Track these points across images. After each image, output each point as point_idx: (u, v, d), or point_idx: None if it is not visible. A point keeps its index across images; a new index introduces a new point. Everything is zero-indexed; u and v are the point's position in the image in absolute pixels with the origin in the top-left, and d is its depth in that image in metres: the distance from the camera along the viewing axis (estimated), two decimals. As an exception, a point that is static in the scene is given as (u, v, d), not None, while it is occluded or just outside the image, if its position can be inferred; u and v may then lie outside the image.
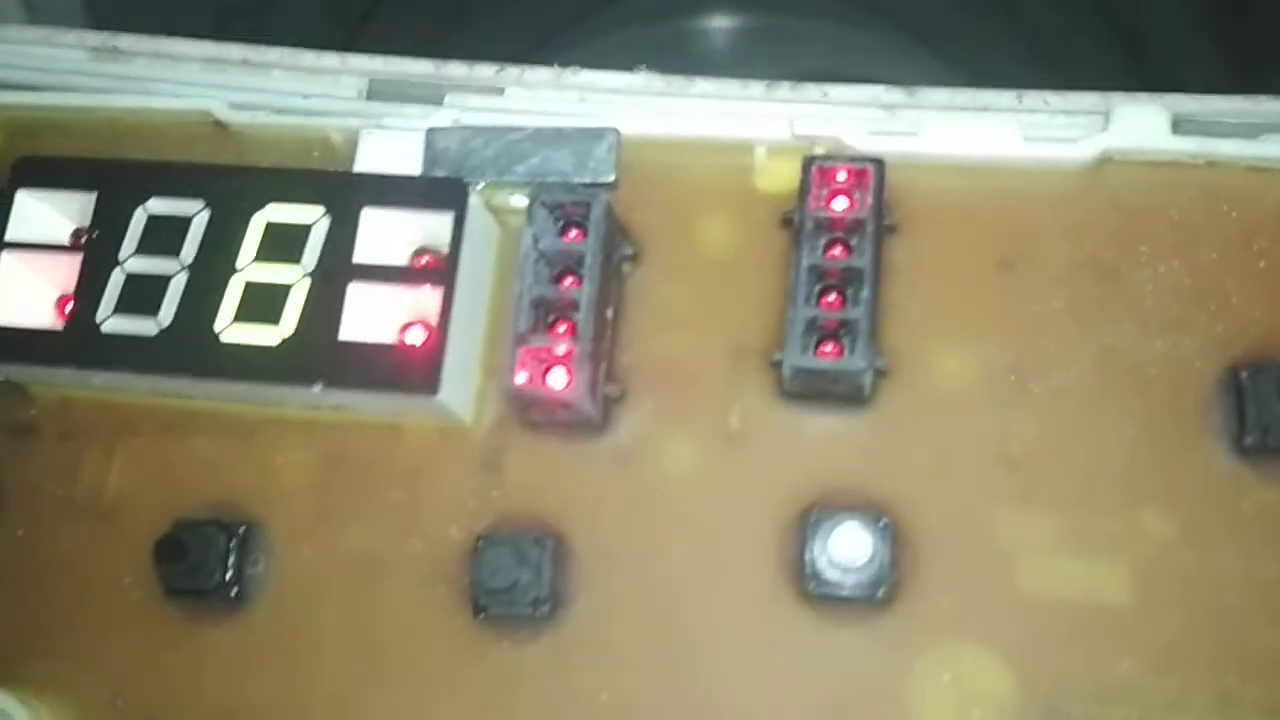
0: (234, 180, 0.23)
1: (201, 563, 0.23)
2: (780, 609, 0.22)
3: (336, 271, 0.22)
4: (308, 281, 0.22)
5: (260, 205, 0.23)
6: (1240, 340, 0.22)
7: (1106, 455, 0.22)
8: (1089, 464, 0.22)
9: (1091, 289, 0.23)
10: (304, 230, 0.22)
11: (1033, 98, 0.25)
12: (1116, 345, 0.23)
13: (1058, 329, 0.23)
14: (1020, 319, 0.23)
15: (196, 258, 0.22)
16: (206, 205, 0.23)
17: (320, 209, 0.22)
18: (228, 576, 0.23)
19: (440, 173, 0.23)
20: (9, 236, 0.23)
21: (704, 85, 0.25)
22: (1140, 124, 0.23)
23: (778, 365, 0.22)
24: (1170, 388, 0.23)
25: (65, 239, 0.24)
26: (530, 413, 0.23)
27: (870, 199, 0.22)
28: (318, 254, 0.22)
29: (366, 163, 0.24)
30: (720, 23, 0.71)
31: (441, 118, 0.25)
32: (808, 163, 0.22)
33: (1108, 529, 0.22)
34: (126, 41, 0.26)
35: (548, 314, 0.22)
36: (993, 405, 0.23)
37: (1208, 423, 0.22)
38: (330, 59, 0.26)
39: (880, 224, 0.22)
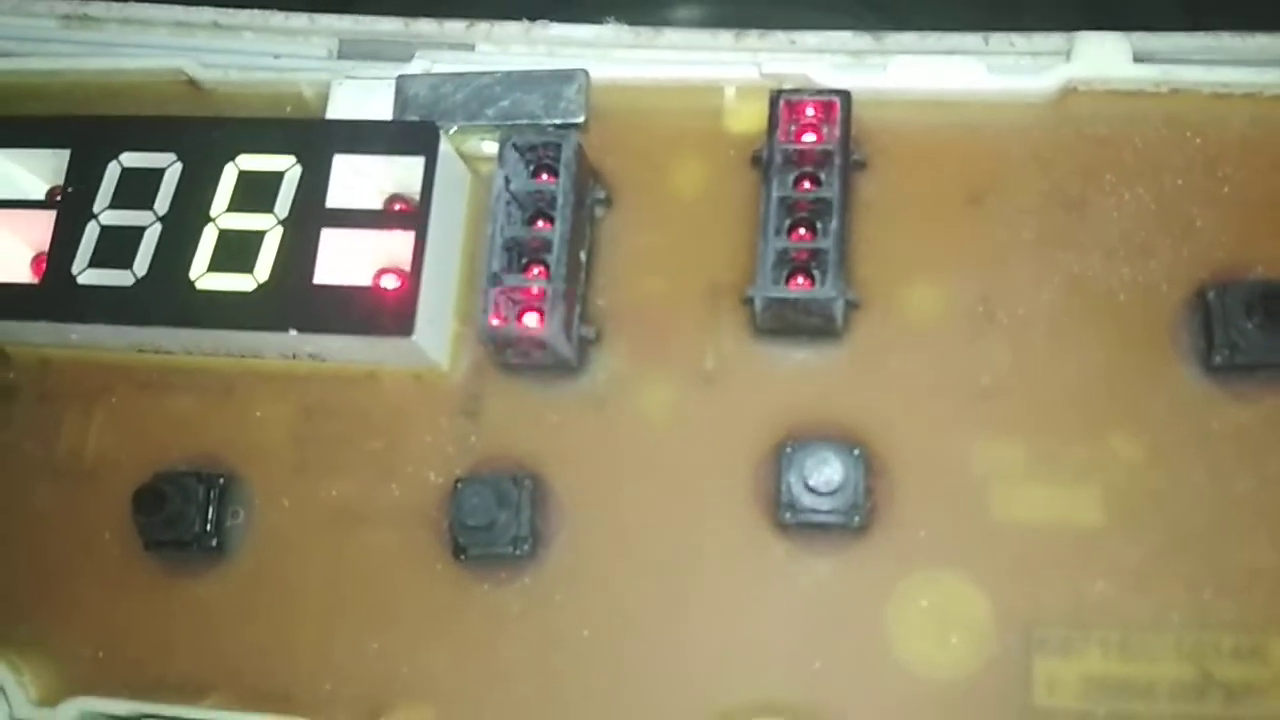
0: (205, 132, 0.23)
1: (181, 513, 0.23)
2: (758, 540, 0.22)
3: (309, 218, 0.22)
4: (280, 229, 0.22)
5: (232, 155, 0.23)
6: (1206, 263, 0.23)
7: (1076, 382, 0.23)
8: (1059, 391, 0.23)
9: (1059, 218, 0.23)
10: (276, 178, 0.22)
11: (999, 39, 0.25)
12: (1084, 273, 0.23)
13: (1026, 259, 0.23)
14: (988, 250, 0.23)
15: (170, 209, 0.22)
16: (179, 158, 0.23)
17: (291, 158, 0.23)
18: (207, 527, 0.23)
19: (411, 118, 0.23)
20: None
21: (673, 36, 0.26)
22: (1102, 54, 0.23)
23: (750, 302, 0.22)
24: (1138, 312, 0.23)
25: (40, 197, 0.24)
26: (506, 355, 0.23)
27: (838, 131, 0.22)
28: (290, 201, 0.22)
29: (338, 112, 0.24)
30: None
31: (412, 71, 0.25)
32: (775, 96, 0.23)
33: (1079, 454, 0.22)
34: (96, 9, 0.26)
35: (520, 255, 0.22)
36: (963, 336, 0.23)
37: (1176, 345, 0.22)
38: (299, 20, 0.26)
39: (848, 157, 0.22)
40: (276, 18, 0.26)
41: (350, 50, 0.26)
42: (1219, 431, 0.22)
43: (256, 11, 0.26)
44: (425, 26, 0.26)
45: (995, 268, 0.23)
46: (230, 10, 0.26)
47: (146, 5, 0.26)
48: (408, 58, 0.26)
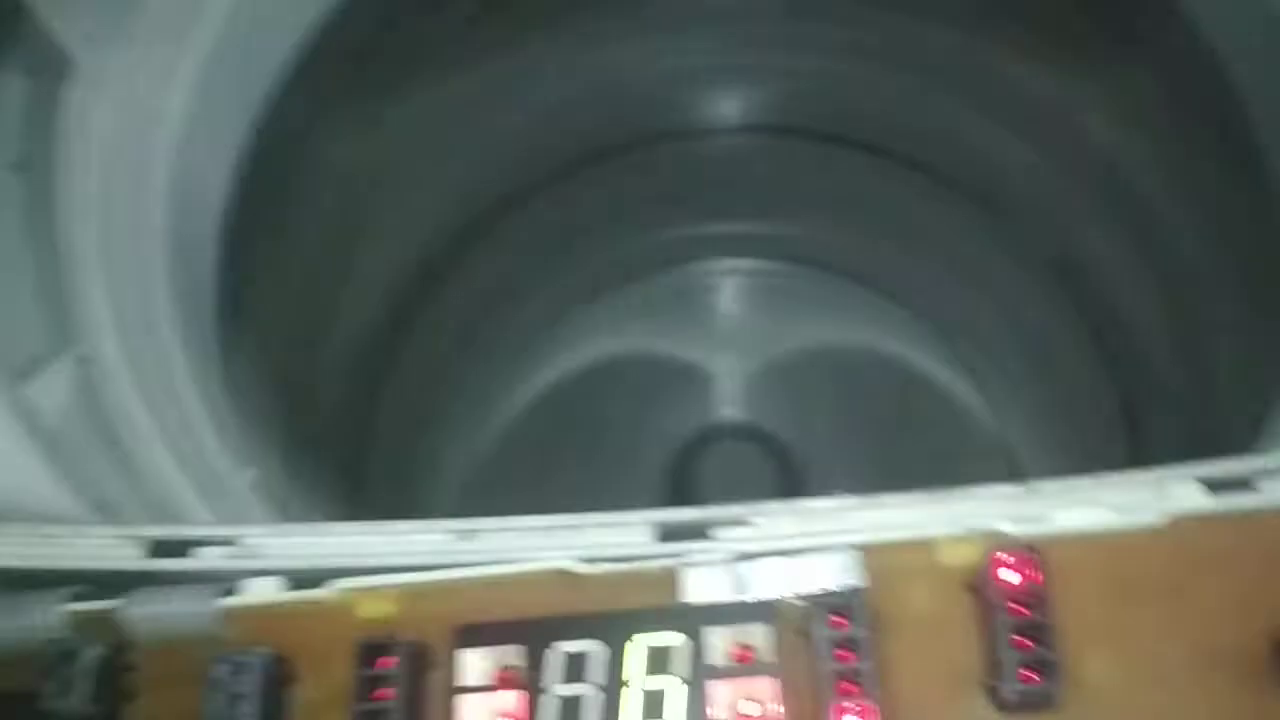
0: (613, 622, 0.34)
1: None
2: None
3: (697, 675, 0.33)
4: (684, 686, 0.33)
5: (634, 636, 0.34)
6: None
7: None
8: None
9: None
10: (667, 650, 0.33)
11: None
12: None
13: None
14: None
15: (605, 679, 0.33)
16: (601, 641, 0.34)
17: (681, 633, 0.33)
18: None
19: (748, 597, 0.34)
20: (463, 683, 0.34)
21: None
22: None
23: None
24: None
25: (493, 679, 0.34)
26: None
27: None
28: (687, 664, 0.33)
29: (693, 594, 0.35)
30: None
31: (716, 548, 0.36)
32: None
33: None
34: (481, 524, 0.38)
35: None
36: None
37: None
38: (628, 516, 0.37)
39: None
40: (611, 517, 0.37)
41: (671, 533, 0.37)
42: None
43: (601, 514, 0.37)
44: (717, 512, 0.37)
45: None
46: (577, 515, 0.38)
47: (523, 518, 0.37)
48: (706, 534, 0.37)
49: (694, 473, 0.89)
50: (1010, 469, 0.88)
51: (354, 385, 0.83)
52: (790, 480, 0.88)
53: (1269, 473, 0.35)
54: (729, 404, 0.91)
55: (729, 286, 0.91)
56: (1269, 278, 0.61)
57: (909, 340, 0.88)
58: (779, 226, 0.87)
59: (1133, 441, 0.82)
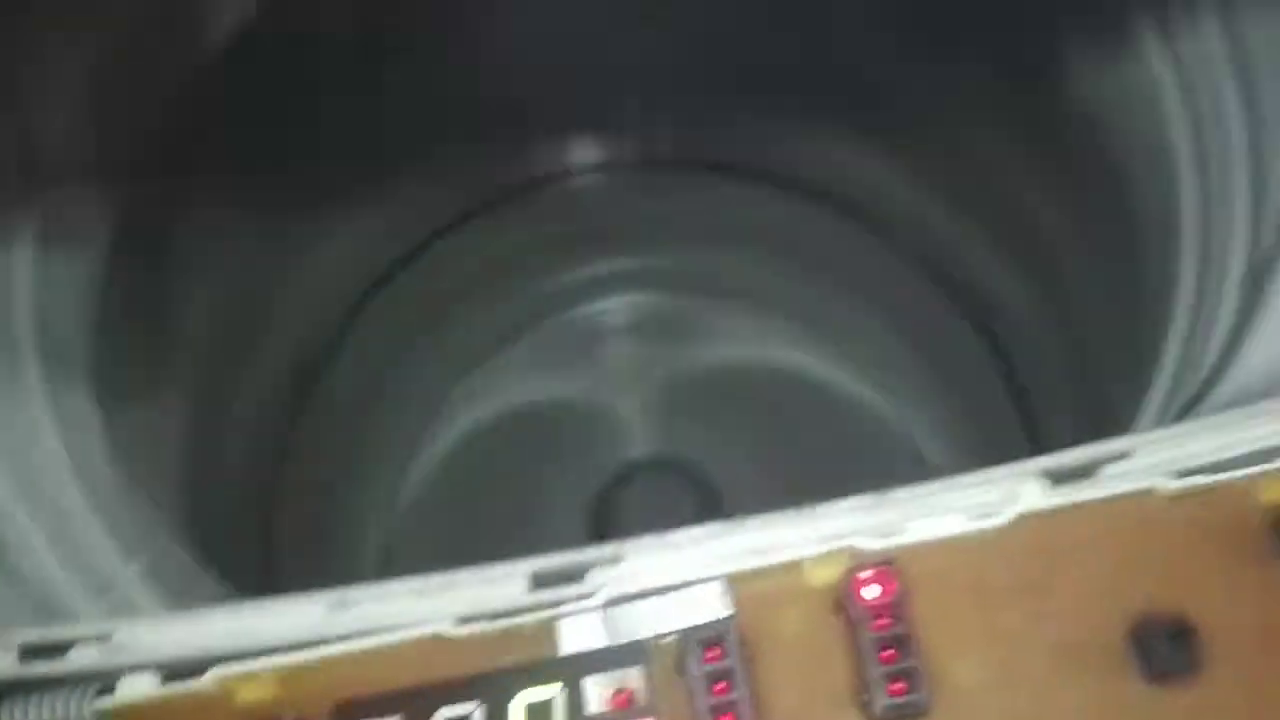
0: (492, 682, 0.34)
1: None
2: None
3: (577, 723, 0.33)
4: (563, 735, 0.33)
5: (514, 694, 0.34)
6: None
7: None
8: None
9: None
10: (548, 703, 0.34)
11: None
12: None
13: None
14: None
15: (482, 742, 0.33)
16: (480, 702, 0.34)
17: (558, 684, 0.34)
18: None
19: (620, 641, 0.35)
20: None
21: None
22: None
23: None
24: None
25: (377, 754, 0.34)
26: None
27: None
28: (566, 716, 0.33)
29: (569, 644, 0.35)
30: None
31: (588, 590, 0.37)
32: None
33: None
34: (355, 594, 0.38)
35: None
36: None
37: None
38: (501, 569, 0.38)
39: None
40: (485, 573, 0.38)
41: (541, 580, 0.37)
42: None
43: (468, 571, 0.38)
44: (592, 554, 0.38)
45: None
46: (444, 575, 0.38)
47: (393, 583, 0.37)
48: (580, 578, 0.38)
49: (615, 509, 0.90)
50: (917, 466, 0.90)
51: (257, 456, 0.82)
52: (710, 504, 0.89)
53: (1108, 459, 0.37)
54: (639, 439, 0.92)
55: (619, 322, 0.92)
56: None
57: (805, 353, 0.90)
58: (660, 259, 0.88)
59: (1031, 434, 0.84)
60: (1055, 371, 0.78)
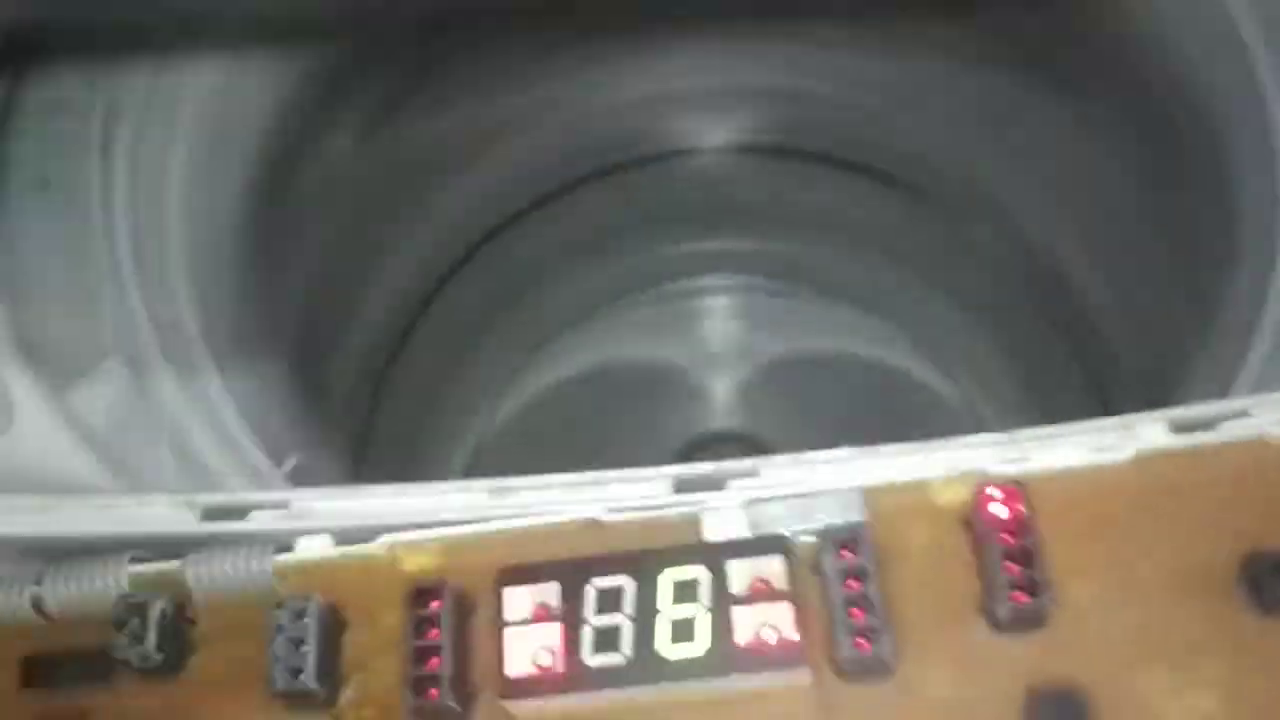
0: (642, 560, 0.37)
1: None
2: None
3: (721, 603, 0.36)
4: (709, 614, 0.36)
5: (661, 571, 0.37)
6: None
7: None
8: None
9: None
10: (693, 582, 0.37)
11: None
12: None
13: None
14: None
15: (635, 610, 0.36)
16: (631, 577, 0.37)
17: (701, 567, 0.37)
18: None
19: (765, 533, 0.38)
20: (507, 618, 0.37)
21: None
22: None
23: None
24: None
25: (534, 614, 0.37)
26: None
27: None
28: (711, 594, 0.36)
29: (713, 534, 0.38)
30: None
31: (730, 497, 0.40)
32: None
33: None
34: (514, 482, 0.41)
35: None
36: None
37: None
38: (647, 470, 0.41)
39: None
40: (632, 473, 0.41)
41: (682, 485, 0.40)
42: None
43: (623, 469, 0.41)
44: (728, 465, 0.41)
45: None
46: (601, 471, 0.41)
47: (553, 475, 0.41)
48: (721, 486, 0.41)
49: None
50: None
51: (364, 377, 0.86)
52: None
53: (1229, 416, 0.39)
54: (720, 413, 0.95)
55: (717, 301, 0.95)
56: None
57: (886, 345, 0.92)
58: (763, 243, 0.92)
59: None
60: (1129, 360, 0.80)
